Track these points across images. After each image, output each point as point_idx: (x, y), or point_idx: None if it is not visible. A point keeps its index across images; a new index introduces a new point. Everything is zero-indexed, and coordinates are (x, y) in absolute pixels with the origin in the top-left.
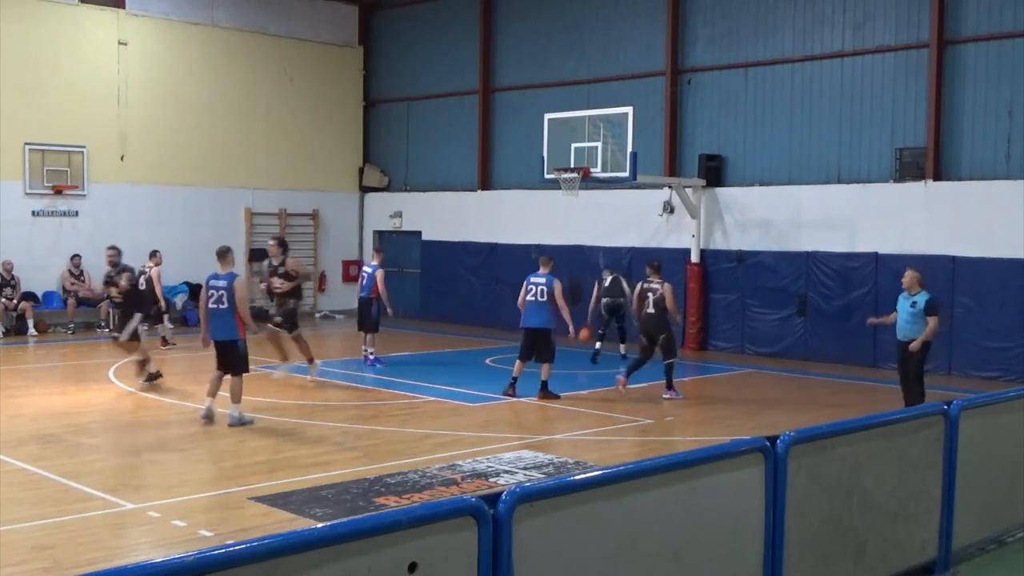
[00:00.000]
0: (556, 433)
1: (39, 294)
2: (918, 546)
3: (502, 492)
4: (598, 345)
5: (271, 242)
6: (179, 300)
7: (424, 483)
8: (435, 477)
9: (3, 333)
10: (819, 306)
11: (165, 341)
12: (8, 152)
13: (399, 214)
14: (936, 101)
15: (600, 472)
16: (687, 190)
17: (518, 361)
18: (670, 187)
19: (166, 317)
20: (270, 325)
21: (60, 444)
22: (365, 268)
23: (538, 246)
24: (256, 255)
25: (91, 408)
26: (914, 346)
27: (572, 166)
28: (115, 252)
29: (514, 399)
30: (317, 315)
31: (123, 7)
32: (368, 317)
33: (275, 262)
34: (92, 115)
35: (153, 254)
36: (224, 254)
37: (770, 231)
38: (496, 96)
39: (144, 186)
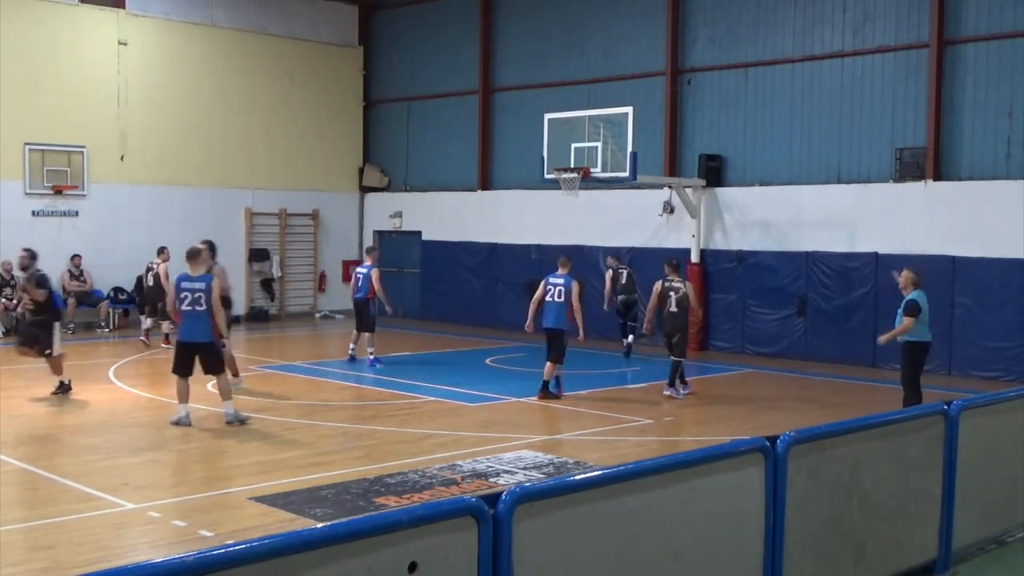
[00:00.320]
0: (556, 433)
1: None
2: (918, 546)
3: (502, 492)
4: (630, 339)
5: (201, 244)
6: None
7: (424, 483)
8: (435, 477)
9: (3, 333)
10: (819, 306)
11: (168, 339)
12: (8, 152)
13: (399, 214)
14: (936, 101)
15: (600, 472)
16: (687, 190)
17: (553, 364)
18: (670, 187)
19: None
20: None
21: (60, 444)
22: (359, 269)
23: (538, 246)
24: (256, 255)
25: (91, 408)
26: (880, 340)
27: (572, 166)
28: (27, 255)
29: (549, 400)
30: (317, 315)
31: (123, 7)
32: (365, 317)
33: (205, 269)
34: (92, 115)
35: (161, 251)
36: (196, 255)
37: (770, 231)
38: (496, 96)
39: (144, 186)
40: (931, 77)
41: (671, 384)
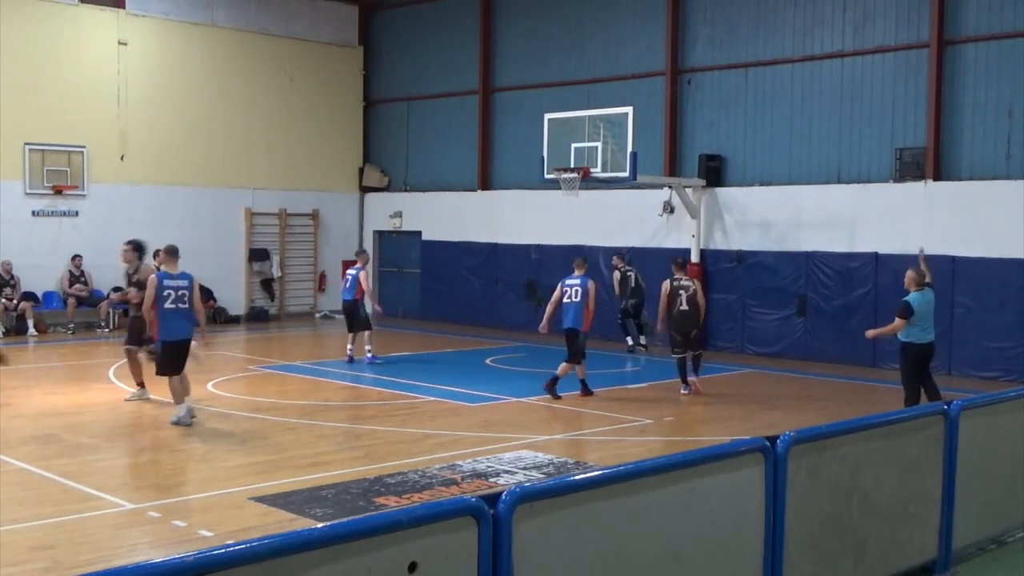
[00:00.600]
0: (556, 433)
1: (39, 294)
2: (918, 546)
3: (502, 492)
4: (642, 339)
5: (124, 246)
6: None
7: (424, 483)
8: (435, 477)
9: (3, 333)
10: (819, 306)
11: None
12: (8, 152)
13: (399, 214)
14: (936, 101)
15: (600, 472)
16: (687, 190)
17: (577, 365)
18: (670, 187)
19: None
20: (127, 346)
21: (60, 444)
22: (349, 271)
23: (538, 246)
24: (256, 255)
25: (91, 408)
26: (867, 333)
27: (572, 166)
28: (131, 248)
29: (589, 397)
30: (317, 315)
31: (123, 7)
32: (357, 317)
33: (130, 269)
34: (92, 115)
35: (157, 253)
36: (176, 252)
37: (770, 231)
38: (496, 96)
39: (144, 186)
40: (931, 77)
41: (696, 372)
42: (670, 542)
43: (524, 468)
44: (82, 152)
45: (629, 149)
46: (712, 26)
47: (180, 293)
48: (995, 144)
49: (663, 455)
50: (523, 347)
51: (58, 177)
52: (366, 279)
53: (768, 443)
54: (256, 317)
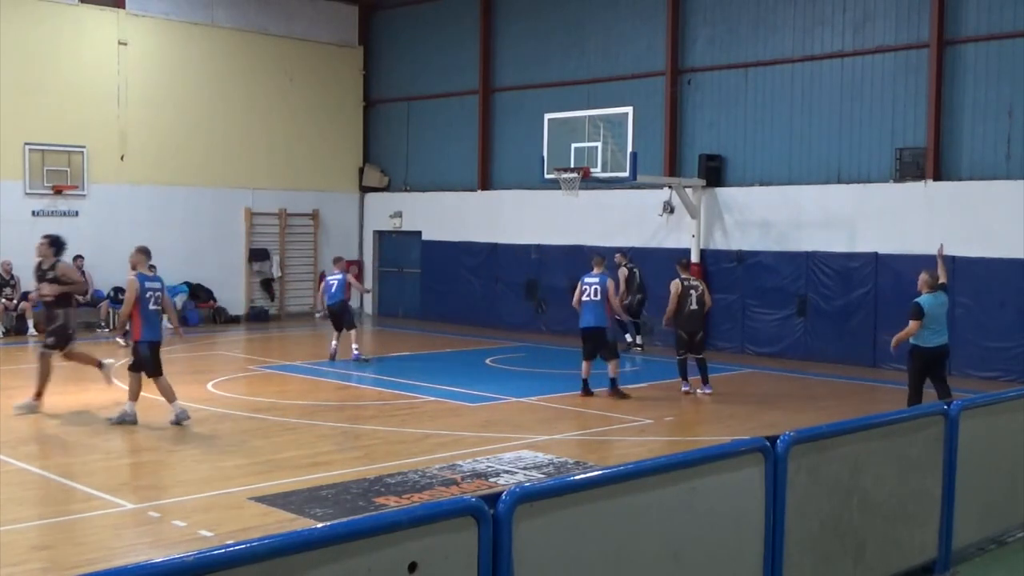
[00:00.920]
0: (556, 433)
1: None
2: (918, 546)
3: (502, 492)
4: (638, 339)
5: (42, 239)
6: (179, 300)
7: (424, 483)
8: (435, 477)
9: (3, 333)
10: (819, 306)
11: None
12: (8, 152)
13: (399, 214)
14: (936, 101)
15: (600, 472)
16: (687, 190)
17: (585, 363)
18: (670, 187)
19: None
20: (43, 348)
21: (60, 444)
22: (330, 278)
23: (538, 246)
24: (256, 255)
25: (91, 408)
26: (892, 345)
27: (572, 166)
28: None
29: (622, 399)
30: (317, 315)
31: (123, 7)
32: (346, 316)
33: (45, 264)
34: (92, 115)
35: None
36: (149, 252)
37: (770, 231)
38: (496, 96)
39: (144, 186)
40: (931, 77)
41: (706, 381)
42: (670, 542)
43: (524, 468)
44: (82, 152)
45: (629, 149)
46: (712, 26)
47: (158, 295)
48: (995, 144)
49: (663, 455)
50: (523, 347)
51: (58, 177)
52: (356, 277)
53: (768, 443)
54: (256, 317)
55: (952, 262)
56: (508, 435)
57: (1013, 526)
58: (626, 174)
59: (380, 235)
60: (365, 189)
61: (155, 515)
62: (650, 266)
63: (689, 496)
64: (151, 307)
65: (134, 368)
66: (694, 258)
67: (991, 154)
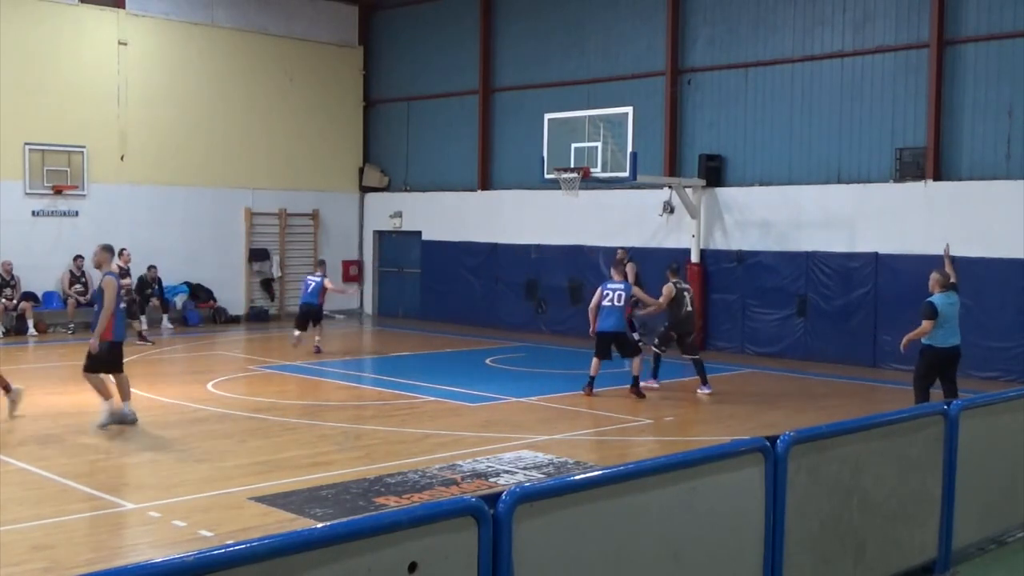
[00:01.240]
0: (556, 433)
1: (39, 294)
2: (918, 546)
3: (502, 492)
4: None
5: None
6: (179, 300)
7: (424, 483)
8: (435, 477)
9: (3, 333)
10: (819, 306)
11: (142, 337)
12: (8, 152)
13: (399, 214)
14: (936, 101)
15: (600, 472)
16: (687, 190)
17: (596, 360)
18: (670, 187)
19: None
20: None
21: (60, 444)
22: (310, 279)
23: (538, 246)
24: (256, 255)
25: (91, 408)
26: (902, 345)
27: (572, 166)
28: None
29: (640, 399)
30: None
31: (123, 7)
32: (316, 316)
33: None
34: (92, 115)
35: (121, 252)
36: (113, 250)
37: (770, 231)
38: (496, 96)
39: (144, 186)
40: (931, 77)
41: (705, 382)
42: (670, 542)
43: (524, 468)
44: (82, 152)
45: (629, 149)
46: (712, 26)
47: (123, 292)
48: (995, 144)
49: (663, 455)
50: (523, 347)
51: (58, 177)
52: (333, 284)
53: (768, 443)
54: (256, 317)
55: (952, 262)
56: (508, 435)
57: (1013, 526)
58: (626, 174)
59: (380, 235)
60: (365, 189)
61: (155, 515)
62: (650, 266)
63: (689, 496)
64: (121, 306)
65: (93, 369)
66: (694, 258)
67: (991, 154)
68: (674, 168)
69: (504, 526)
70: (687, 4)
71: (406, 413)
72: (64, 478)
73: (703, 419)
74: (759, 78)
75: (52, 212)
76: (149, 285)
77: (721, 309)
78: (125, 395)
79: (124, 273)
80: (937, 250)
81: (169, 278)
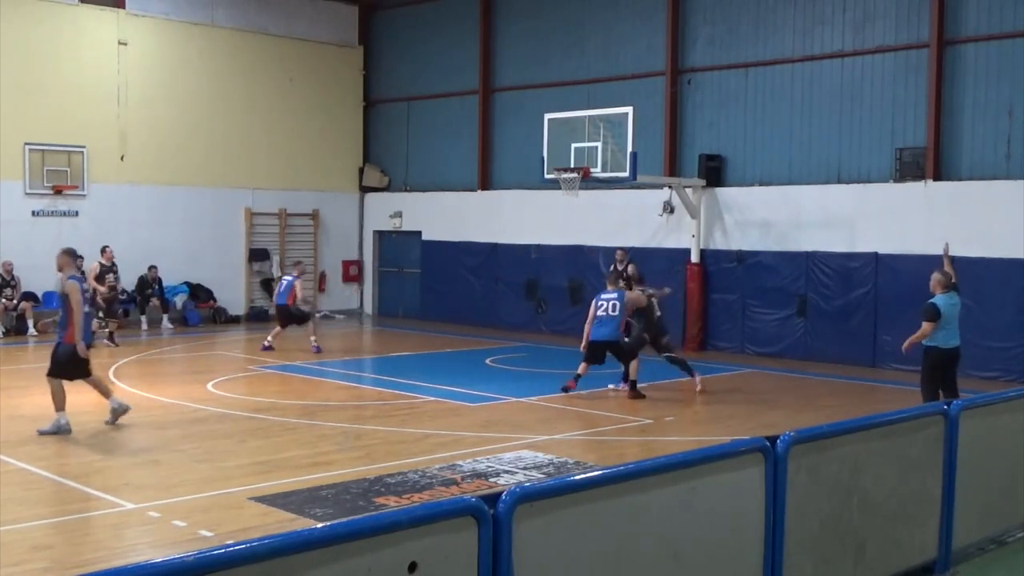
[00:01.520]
0: (556, 433)
1: (39, 294)
2: (918, 546)
3: (502, 492)
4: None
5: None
6: (179, 300)
7: (424, 483)
8: (435, 477)
9: (3, 333)
10: (819, 306)
11: (111, 339)
12: (8, 152)
13: (399, 214)
14: (936, 101)
15: (600, 472)
16: (687, 190)
17: (584, 364)
18: (670, 187)
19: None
20: None
21: (60, 444)
22: (285, 277)
23: (538, 246)
24: (256, 255)
25: (91, 408)
26: (904, 347)
27: (572, 166)
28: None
29: (639, 399)
30: (317, 315)
31: (123, 7)
32: (291, 317)
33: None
34: (92, 115)
35: (103, 250)
36: (75, 254)
37: (770, 231)
38: (496, 96)
39: (144, 186)
40: (931, 77)
41: (692, 374)
42: (670, 542)
43: (524, 468)
44: (82, 152)
45: (629, 149)
46: (712, 26)
47: (88, 295)
48: (995, 144)
49: (663, 455)
50: (523, 347)
51: (58, 177)
52: (300, 288)
53: (768, 443)
54: (256, 317)
55: (952, 262)
56: (508, 435)
57: (1013, 526)
58: (626, 174)
59: (380, 235)
60: (365, 189)
61: (155, 515)
62: (650, 267)
63: (689, 496)
64: (86, 310)
65: (58, 374)
66: (694, 258)
67: (991, 154)
68: (674, 168)
69: (504, 526)
70: (687, 4)
71: (406, 413)
72: (64, 478)
73: (703, 419)
74: (759, 78)
75: (52, 212)
76: (149, 285)
77: (721, 309)
78: (104, 393)
79: (107, 270)
80: (937, 250)
81: (169, 278)
